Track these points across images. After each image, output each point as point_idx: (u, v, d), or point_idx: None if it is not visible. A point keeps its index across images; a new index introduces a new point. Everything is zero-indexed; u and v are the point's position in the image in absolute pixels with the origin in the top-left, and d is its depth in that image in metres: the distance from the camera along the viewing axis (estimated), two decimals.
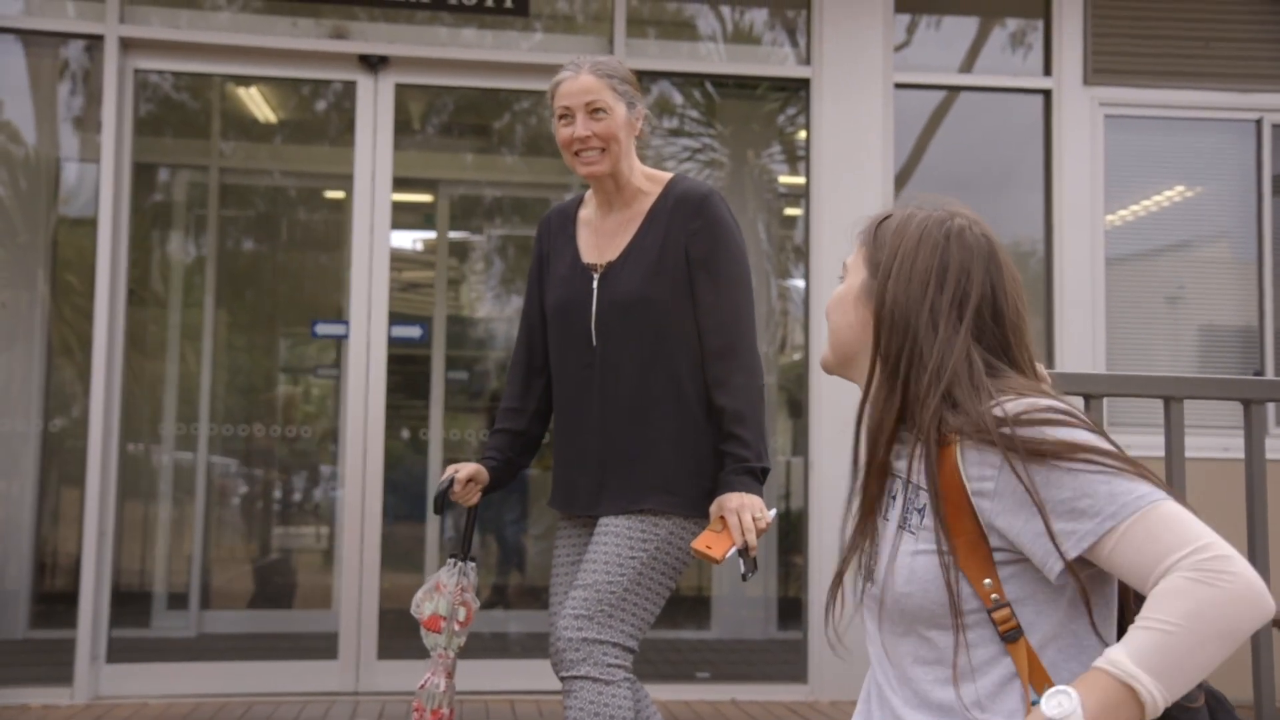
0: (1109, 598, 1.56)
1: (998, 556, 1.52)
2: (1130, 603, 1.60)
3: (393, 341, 5.20)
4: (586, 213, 2.87)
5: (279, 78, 5.59)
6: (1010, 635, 1.51)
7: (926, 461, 1.56)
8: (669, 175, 2.81)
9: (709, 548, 2.51)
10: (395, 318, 5.26)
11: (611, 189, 2.77)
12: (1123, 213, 5.55)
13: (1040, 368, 1.69)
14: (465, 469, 2.83)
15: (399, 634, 5.41)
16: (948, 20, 5.71)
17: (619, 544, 2.62)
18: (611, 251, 2.76)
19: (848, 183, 5.24)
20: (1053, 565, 1.47)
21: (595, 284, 2.73)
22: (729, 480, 2.59)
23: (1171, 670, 1.35)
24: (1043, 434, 1.48)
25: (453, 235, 9.71)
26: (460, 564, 2.81)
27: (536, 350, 2.89)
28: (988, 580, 1.52)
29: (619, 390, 2.69)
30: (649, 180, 2.80)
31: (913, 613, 1.56)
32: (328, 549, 6.53)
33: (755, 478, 2.60)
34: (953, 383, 1.57)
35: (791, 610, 6.33)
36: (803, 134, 5.98)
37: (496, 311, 7.64)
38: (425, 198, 9.71)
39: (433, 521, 6.11)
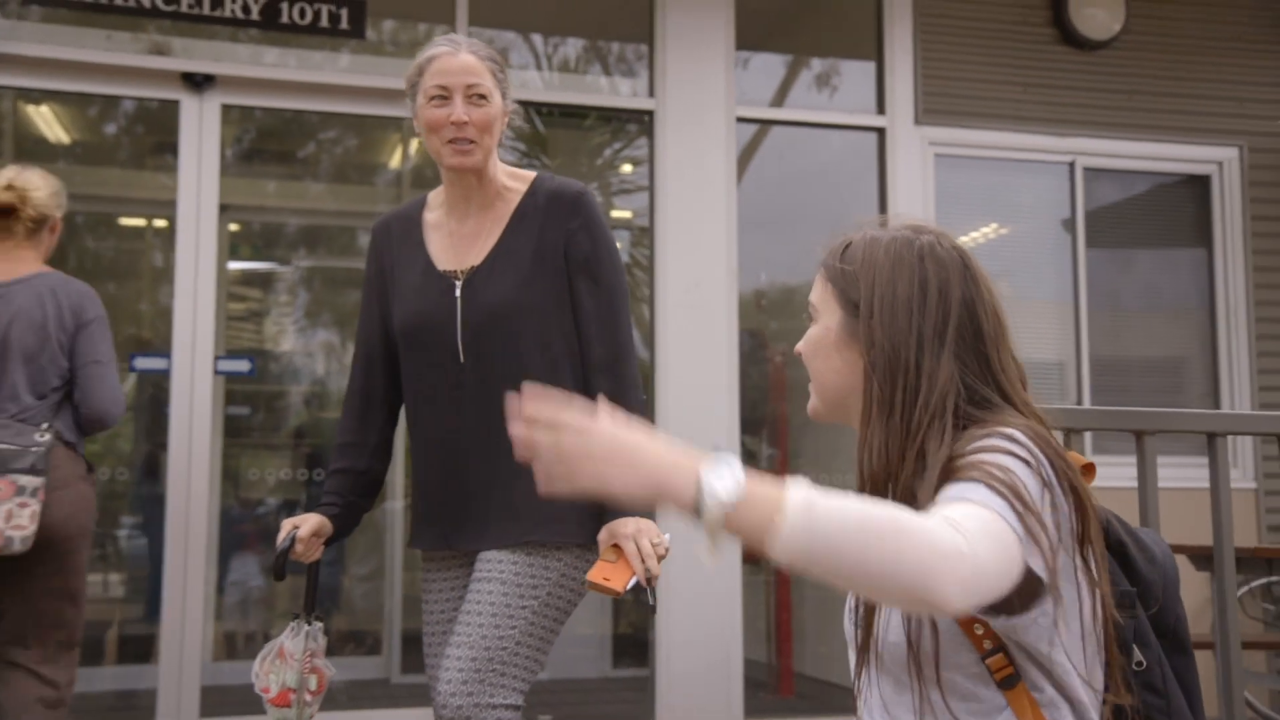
0: (1076, 633, 1.47)
1: None
2: (1113, 655, 1.54)
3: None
4: (434, 216, 2.58)
5: (92, 94, 5.23)
6: (1007, 682, 1.44)
7: (902, 502, 1.48)
8: (533, 173, 2.57)
9: (607, 580, 2.28)
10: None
11: (473, 185, 2.50)
12: None
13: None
14: (307, 524, 2.49)
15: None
16: (787, 59, 5.81)
17: (506, 591, 2.35)
18: (474, 256, 2.48)
19: (692, 214, 5.24)
20: None
21: (458, 293, 2.46)
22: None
23: (828, 533, 1.19)
24: (970, 459, 1.41)
25: (247, 265, 9.25)
26: (306, 626, 2.48)
27: (376, 377, 2.59)
28: (978, 626, 1.44)
29: (495, 409, 2.35)
30: (512, 178, 2.55)
31: (903, 663, 1.48)
32: (126, 598, 6.11)
33: None
34: (930, 423, 1.49)
35: (626, 647, 6.25)
36: (627, 167, 5.97)
37: (298, 345, 7.36)
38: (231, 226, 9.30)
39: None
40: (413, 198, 2.69)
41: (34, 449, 3.19)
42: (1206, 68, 6.01)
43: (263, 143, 7.63)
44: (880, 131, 5.57)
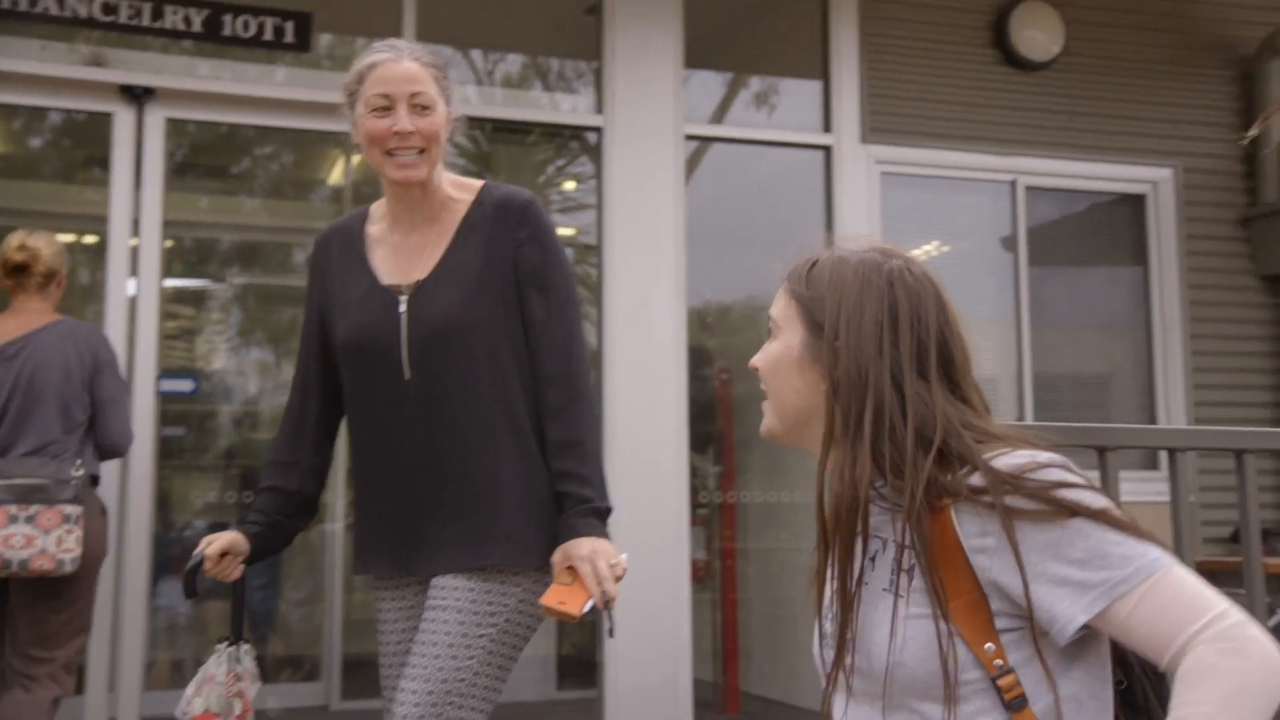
0: (1105, 660, 1.48)
1: (999, 622, 1.43)
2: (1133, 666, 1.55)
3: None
4: (377, 229, 2.46)
5: (22, 105, 5.07)
6: (1016, 704, 1.41)
7: (917, 522, 1.46)
8: (480, 182, 2.46)
9: (563, 604, 2.19)
10: None
11: (418, 198, 2.39)
12: None
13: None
14: (218, 542, 2.40)
15: None
16: (734, 77, 5.83)
17: (463, 620, 2.24)
18: (420, 270, 2.38)
19: (640, 232, 5.22)
20: (1064, 628, 1.38)
21: (403, 308, 2.35)
22: (573, 524, 2.26)
23: None
24: (1045, 494, 1.40)
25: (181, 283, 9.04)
26: (230, 649, 2.42)
27: (313, 395, 2.49)
28: (989, 645, 1.42)
29: (444, 428, 2.32)
30: (457, 188, 2.44)
31: (905, 683, 1.44)
32: None
33: (601, 519, 2.30)
34: (946, 438, 1.48)
35: (570, 669, 6.18)
36: (571, 184, 5.93)
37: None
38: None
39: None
40: (353, 210, 2.59)
41: (73, 481, 3.60)
42: (1142, 90, 6.13)
43: (197, 157, 7.47)
44: (827, 149, 5.60)
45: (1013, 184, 5.89)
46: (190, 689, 2.40)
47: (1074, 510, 1.40)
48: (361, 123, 2.35)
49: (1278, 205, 6.11)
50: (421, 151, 2.33)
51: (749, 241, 5.79)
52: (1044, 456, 1.46)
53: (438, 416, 2.33)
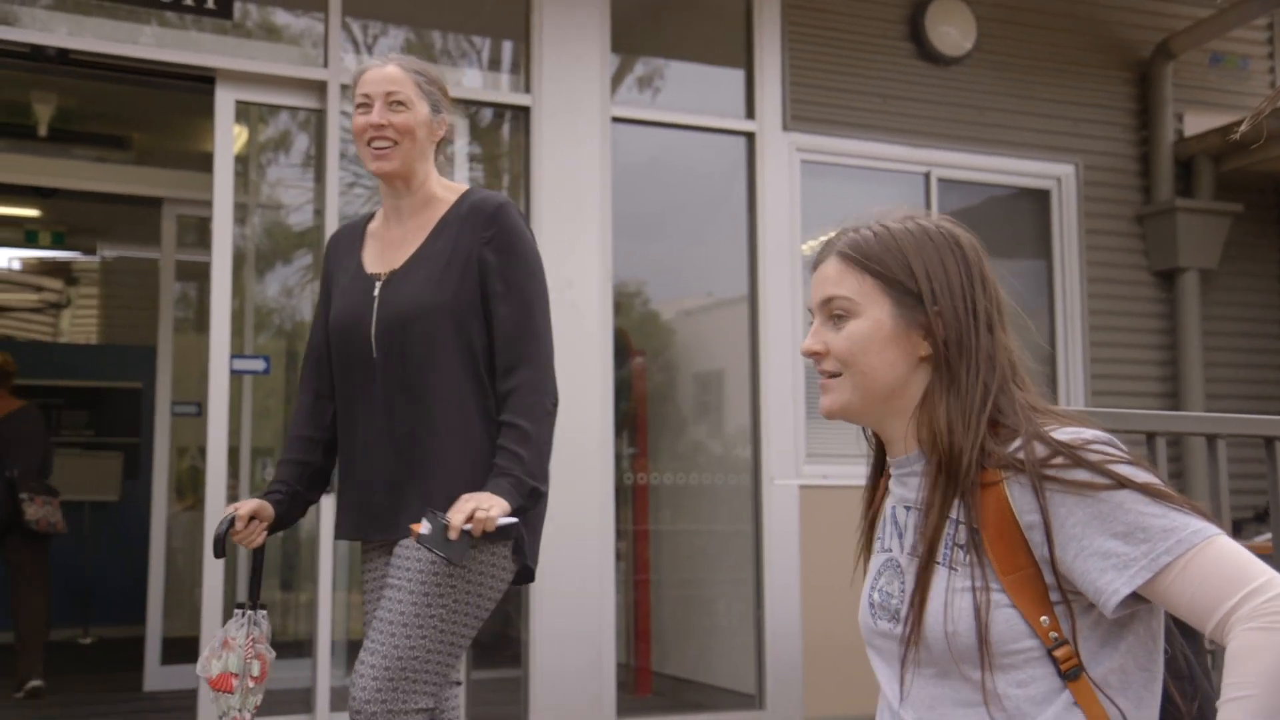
0: (1155, 631, 1.53)
1: (1054, 595, 1.48)
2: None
3: None
4: (375, 225, 2.73)
5: None
6: (1072, 673, 1.46)
7: (970, 495, 1.50)
8: (465, 186, 2.69)
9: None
10: None
11: (402, 190, 2.62)
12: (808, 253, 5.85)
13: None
14: (246, 505, 2.60)
15: None
16: (660, 62, 5.84)
17: (415, 600, 2.39)
18: (396, 260, 2.61)
19: (567, 213, 5.20)
20: (1108, 600, 1.43)
21: (376, 293, 2.57)
22: (490, 484, 2.40)
23: None
24: (1093, 469, 1.45)
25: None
26: (249, 614, 2.57)
27: (324, 374, 2.71)
28: (1045, 618, 1.47)
29: (404, 407, 2.52)
30: (445, 190, 2.67)
31: (959, 653, 1.49)
32: None
33: (519, 491, 2.42)
34: (999, 397, 1.54)
35: (485, 649, 6.15)
36: (496, 163, 5.89)
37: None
38: (31, 211, 8.79)
39: None
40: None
41: (48, 484, 6.20)
42: (1047, 88, 6.33)
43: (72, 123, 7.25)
44: (750, 136, 5.65)
45: (926, 176, 6.02)
46: (206, 652, 2.53)
47: (1118, 483, 1.44)
48: (353, 120, 2.62)
49: (1170, 204, 6.37)
50: (395, 144, 2.56)
51: (669, 225, 5.82)
52: (1089, 433, 1.51)
53: (399, 395, 2.53)
